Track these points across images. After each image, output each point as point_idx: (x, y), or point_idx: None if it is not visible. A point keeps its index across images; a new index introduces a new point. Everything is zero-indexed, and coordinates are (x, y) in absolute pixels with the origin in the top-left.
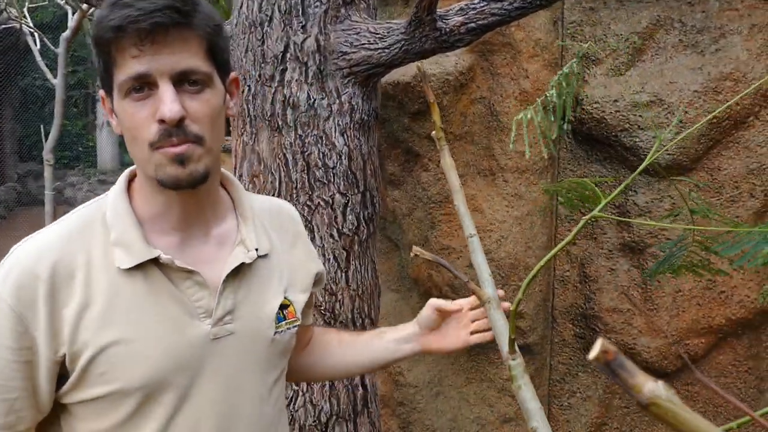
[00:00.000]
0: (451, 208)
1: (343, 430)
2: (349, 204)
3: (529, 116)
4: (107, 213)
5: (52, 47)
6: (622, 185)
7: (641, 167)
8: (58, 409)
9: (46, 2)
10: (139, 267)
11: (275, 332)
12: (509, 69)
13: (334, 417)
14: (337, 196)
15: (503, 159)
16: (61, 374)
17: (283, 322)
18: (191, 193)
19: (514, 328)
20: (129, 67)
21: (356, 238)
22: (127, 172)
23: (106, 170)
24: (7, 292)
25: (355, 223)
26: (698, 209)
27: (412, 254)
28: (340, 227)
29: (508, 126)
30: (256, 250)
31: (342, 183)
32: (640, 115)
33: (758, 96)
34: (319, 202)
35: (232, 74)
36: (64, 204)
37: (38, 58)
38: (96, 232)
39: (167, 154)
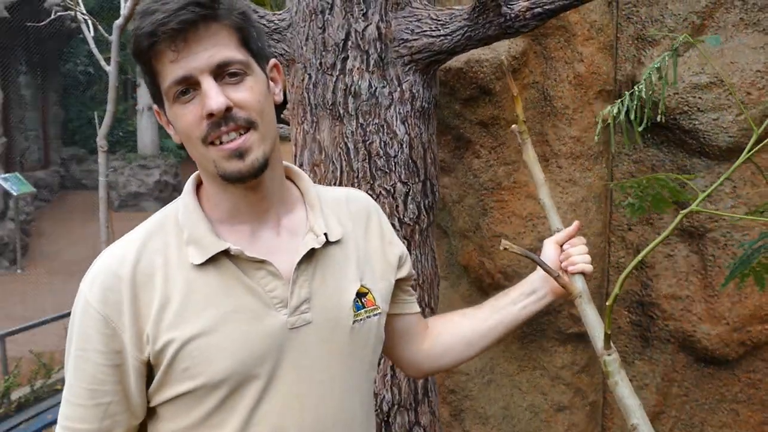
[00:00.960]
0: (504, 194)
1: (404, 420)
2: (410, 193)
3: (615, 111)
4: (179, 214)
5: (105, 34)
6: (720, 180)
7: (740, 160)
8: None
9: None
10: (212, 261)
11: (354, 320)
12: (563, 53)
13: (396, 406)
14: (399, 185)
15: (557, 144)
16: (149, 375)
17: (362, 311)
18: (255, 183)
19: (610, 322)
20: (170, 73)
21: (417, 227)
22: (194, 175)
23: (146, 155)
24: (94, 296)
25: (416, 212)
26: None
27: (501, 247)
28: (402, 216)
29: (562, 111)
30: (326, 235)
31: (403, 172)
32: (699, 97)
33: None
34: (380, 191)
35: (272, 60)
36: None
37: (92, 45)
38: (170, 234)
39: (223, 151)
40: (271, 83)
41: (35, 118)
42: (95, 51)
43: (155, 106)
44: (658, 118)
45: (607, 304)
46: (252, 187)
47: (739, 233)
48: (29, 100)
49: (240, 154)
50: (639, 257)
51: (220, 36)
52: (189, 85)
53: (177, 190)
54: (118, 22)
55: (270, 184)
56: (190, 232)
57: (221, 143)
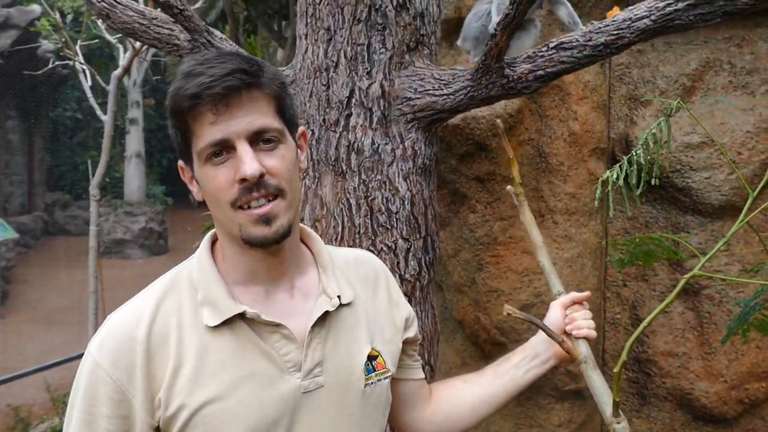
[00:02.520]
0: (499, 250)
1: None
2: (411, 249)
3: (614, 175)
4: (194, 274)
5: (102, 83)
6: (722, 242)
7: (738, 225)
8: None
9: (97, 41)
10: (227, 324)
11: (365, 384)
12: (558, 111)
13: None
14: (400, 241)
15: (552, 201)
16: None
17: (373, 374)
18: (276, 249)
19: (618, 389)
20: (207, 135)
21: (418, 283)
22: (209, 234)
23: (132, 202)
24: (105, 357)
25: (417, 269)
26: None
27: (504, 313)
28: (403, 273)
29: (557, 168)
30: (339, 297)
31: (405, 228)
32: (692, 156)
33: None
34: (382, 248)
35: (301, 128)
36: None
37: (88, 93)
38: (184, 294)
39: (251, 216)
40: (298, 150)
41: (21, 162)
42: (92, 100)
43: (181, 162)
44: (652, 181)
45: (615, 371)
46: (272, 251)
47: (733, 290)
48: (16, 144)
49: (267, 219)
50: (646, 321)
51: (260, 103)
52: (224, 148)
53: (162, 238)
54: (117, 72)
55: (289, 248)
56: (205, 294)
57: (249, 207)
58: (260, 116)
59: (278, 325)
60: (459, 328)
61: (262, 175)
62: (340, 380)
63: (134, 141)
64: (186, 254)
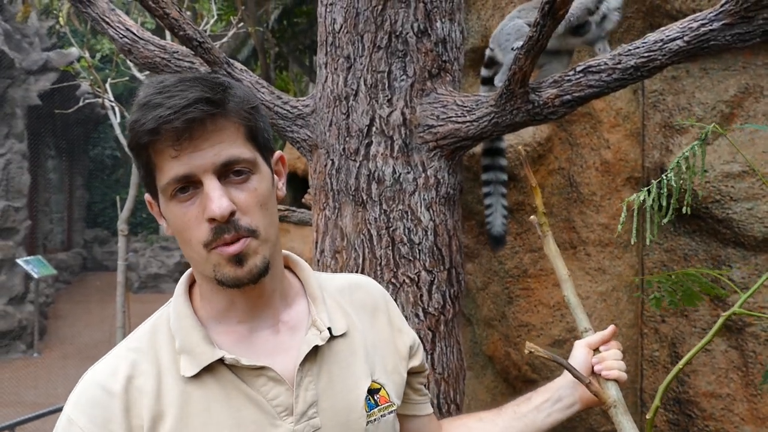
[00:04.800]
0: (530, 282)
1: None
2: (435, 281)
3: (642, 198)
4: (171, 320)
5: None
6: (764, 278)
7: None
8: None
9: (127, 78)
10: (208, 370)
11: (368, 421)
12: (589, 139)
13: None
14: (423, 273)
15: (585, 232)
16: None
17: (376, 409)
18: (254, 286)
19: None
20: (170, 170)
21: (442, 317)
22: (186, 274)
23: (167, 237)
24: (80, 414)
25: (441, 302)
26: None
27: (526, 351)
28: (426, 306)
29: (589, 198)
30: (329, 329)
31: (428, 260)
32: (732, 186)
33: None
34: (404, 280)
35: (277, 153)
36: (127, 270)
37: (117, 130)
38: (162, 342)
39: (223, 254)
40: (275, 177)
41: (60, 200)
42: (120, 136)
43: (148, 196)
44: (683, 210)
45: (647, 417)
46: (250, 289)
47: None
48: (55, 182)
49: (239, 259)
50: (681, 363)
51: (227, 132)
52: (189, 183)
53: None
54: None
55: (269, 283)
56: (182, 341)
57: (219, 246)
58: (228, 146)
59: (262, 368)
60: (489, 363)
61: (232, 213)
62: (338, 420)
63: None
64: None
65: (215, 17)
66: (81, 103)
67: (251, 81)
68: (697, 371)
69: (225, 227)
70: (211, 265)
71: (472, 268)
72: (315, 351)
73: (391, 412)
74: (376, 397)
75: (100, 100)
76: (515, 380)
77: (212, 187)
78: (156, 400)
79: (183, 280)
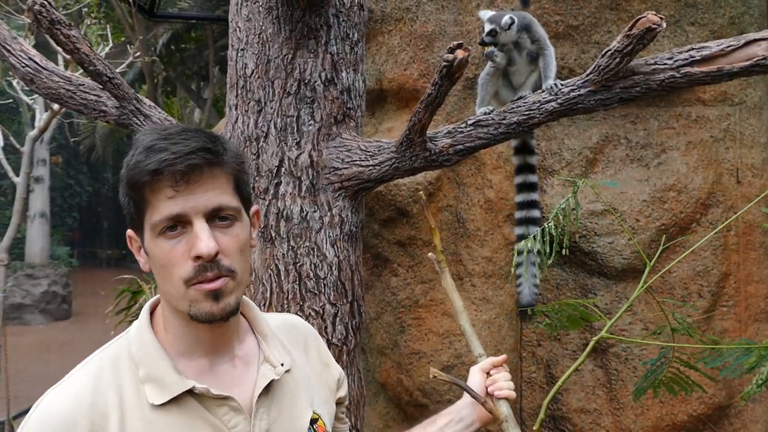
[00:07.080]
0: (421, 312)
1: None
2: (339, 314)
3: (529, 245)
4: (133, 348)
5: (16, 144)
6: (623, 308)
7: (637, 292)
8: None
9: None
10: (174, 399)
11: None
12: (474, 179)
13: None
14: (328, 306)
15: (470, 264)
16: None
17: None
18: (221, 324)
19: None
20: (165, 208)
21: (344, 347)
22: (148, 304)
23: (34, 264)
24: None
25: (344, 333)
26: (679, 327)
27: (431, 376)
28: (330, 337)
29: (474, 233)
30: (282, 365)
31: (332, 293)
32: (596, 223)
33: (698, 205)
34: (310, 312)
35: (254, 207)
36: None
37: (1, 155)
38: (123, 370)
39: (202, 290)
40: (251, 228)
41: None
42: (4, 162)
43: (130, 231)
44: (563, 252)
45: (534, 428)
46: (217, 326)
47: (638, 348)
48: None
49: (216, 296)
50: (561, 381)
51: (220, 181)
52: (179, 223)
53: (66, 302)
54: (33, 134)
55: (233, 321)
56: (148, 370)
57: (200, 282)
58: (219, 194)
59: (227, 398)
60: (381, 390)
61: (216, 254)
62: None
63: (39, 200)
64: (93, 318)
65: (110, 44)
66: None
67: (160, 117)
68: (569, 389)
69: (208, 266)
70: (188, 301)
71: (366, 299)
72: (268, 384)
73: None
74: (315, 427)
75: None
76: (407, 405)
77: (202, 228)
78: (119, 429)
79: (145, 310)
